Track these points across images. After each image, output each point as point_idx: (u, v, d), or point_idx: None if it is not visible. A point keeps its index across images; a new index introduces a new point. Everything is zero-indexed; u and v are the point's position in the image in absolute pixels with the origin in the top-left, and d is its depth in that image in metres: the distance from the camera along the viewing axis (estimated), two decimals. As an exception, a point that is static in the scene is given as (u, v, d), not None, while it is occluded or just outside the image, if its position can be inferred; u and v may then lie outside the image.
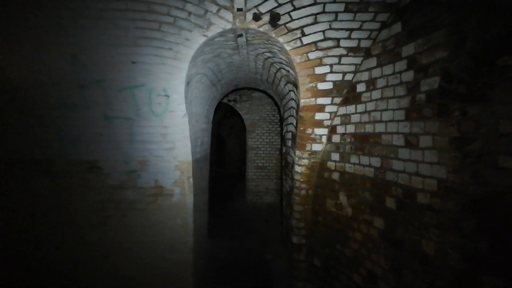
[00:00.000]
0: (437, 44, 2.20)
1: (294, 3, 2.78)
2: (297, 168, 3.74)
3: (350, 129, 3.22)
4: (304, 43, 3.14)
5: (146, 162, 4.00)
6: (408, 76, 2.48)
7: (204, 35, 3.28)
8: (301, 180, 3.71)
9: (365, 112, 3.00)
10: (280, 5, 2.82)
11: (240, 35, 3.46)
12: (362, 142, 3.03)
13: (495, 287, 1.89)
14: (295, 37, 3.12)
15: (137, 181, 4.01)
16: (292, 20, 2.94)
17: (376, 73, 2.88)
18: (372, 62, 2.94)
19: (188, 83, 3.87)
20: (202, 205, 4.91)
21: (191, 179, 4.10)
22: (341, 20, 2.86)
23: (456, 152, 2.01)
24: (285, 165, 4.93)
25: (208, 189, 5.55)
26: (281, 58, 3.74)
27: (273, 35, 3.20)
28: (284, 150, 5.15)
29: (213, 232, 6.56)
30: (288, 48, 3.25)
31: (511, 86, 1.87)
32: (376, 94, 2.86)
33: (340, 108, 3.38)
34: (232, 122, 13.26)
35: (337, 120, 3.43)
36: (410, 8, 2.48)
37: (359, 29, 2.88)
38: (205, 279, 4.78)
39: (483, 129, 1.96)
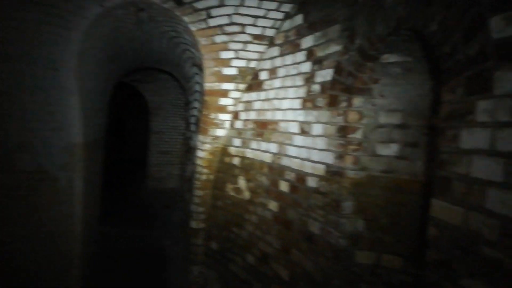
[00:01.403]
0: (332, 38, 2.35)
1: (201, -19, 2.69)
2: (200, 153, 3.69)
3: (252, 115, 3.29)
4: (210, 25, 3.07)
5: (27, 143, 3.50)
6: (306, 67, 2.62)
7: (101, 5, 2.98)
8: (203, 165, 3.68)
9: (267, 99, 3.09)
10: (186, -19, 2.70)
11: (142, 10, 3.23)
12: (262, 128, 3.12)
13: (367, 260, 2.13)
14: (200, 18, 3.03)
15: (15, 164, 3.50)
16: (198, -1, 2.85)
17: (278, 62, 2.98)
18: (275, 51, 3.03)
19: (80, 57, 3.49)
20: (94, 192, 4.53)
21: (81, 163, 3.73)
22: (248, 6, 2.88)
23: (342, 140, 2.19)
24: (187, 150, 4.83)
25: (104, 175, 5.15)
26: (186, 39, 3.62)
27: (178, 14, 3.07)
28: (187, 135, 5.05)
29: (111, 220, 6.14)
30: (193, 28, 3.15)
31: (390, 82, 2.10)
32: (277, 83, 2.96)
33: (244, 94, 3.42)
34: (135, 104, 12.50)
35: (240, 106, 3.47)
36: (311, 1, 2.61)
37: (264, 17, 2.93)
38: (95, 270, 4.45)
39: (365, 119, 2.17)
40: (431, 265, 1.44)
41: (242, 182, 3.35)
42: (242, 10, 2.92)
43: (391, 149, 2.09)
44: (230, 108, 3.51)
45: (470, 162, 1.27)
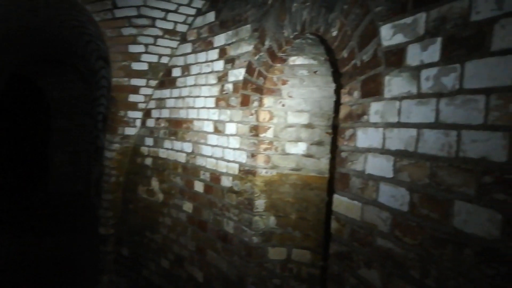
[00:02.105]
0: (243, 38, 2.36)
1: (104, -33, 2.49)
2: (108, 153, 3.43)
3: (165, 113, 3.16)
4: (116, 16, 2.86)
5: None
6: (219, 65, 2.59)
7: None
8: (112, 166, 3.43)
9: (180, 97, 2.99)
10: (86, -34, 2.47)
11: (36, -7, 2.87)
12: (176, 127, 3.01)
13: (279, 256, 2.19)
14: (105, 8, 2.80)
15: None
16: (102, -13, 2.63)
17: (191, 59, 2.90)
18: (188, 47, 2.95)
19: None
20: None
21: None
22: (157, -1, 2.74)
23: (254, 139, 2.22)
24: (94, 150, 4.47)
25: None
26: (90, 30, 3.33)
27: (79, 1, 2.79)
28: (94, 134, 4.67)
29: (6, 229, 5.40)
30: (98, 19, 2.90)
31: (298, 83, 2.18)
32: (190, 80, 2.89)
33: (156, 91, 3.27)
34: (34, 99, 11.18)
35: (152, 104, 3.31)
36: (222, 0, 2.58)
37: (175, 11, 2.82)
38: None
39: (276, 119, 2.22)
40: (334, 257, 1.53)
41: (155, 184, 3.20)
42: (151, 3, 2.77)
43: (299, 148, 2.18)
44: (141, 106, 3.33)
45: (366, 159, 1.38)
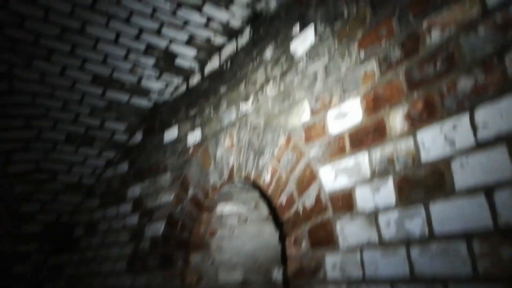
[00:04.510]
0: (163, 186, 2.13)
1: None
2: None
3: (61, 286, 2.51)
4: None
5: None
6: (133, 219, 2.25)
7: None
8: None
9: (84, 261, 2.44)
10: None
11: None
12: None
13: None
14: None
15: None
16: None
17: (98, 214, 2.50)
18: (95, 201, 2.57)
19: None
20: None
21: None
22: (61, 151, 2.45)
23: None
24: None
25: None
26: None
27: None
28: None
29: None
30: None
31: (228, 234, 1.93)
32: (97, 240, 2.42)
33: (51, 257, 2.66)
34: None
35: (45, 273, 2.64)
36: (137, 150, 2.42)
37: (81, 163, 2.53)
38: None
39: (205, 279, 1.86)
40: None
41: None
42: (55, 155, 2.46)
43: (238, 314, 1.79)
44: (30, 278, 2.63)
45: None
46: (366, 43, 1.17)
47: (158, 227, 2.07)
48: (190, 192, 1.94)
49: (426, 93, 0.96)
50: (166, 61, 2.03)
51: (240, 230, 1.92)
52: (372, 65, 1.13)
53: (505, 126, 0.78)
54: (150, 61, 2.01)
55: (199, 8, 1.65)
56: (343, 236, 1.10)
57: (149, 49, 1.92)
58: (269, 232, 1.88)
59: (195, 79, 2.12)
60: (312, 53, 1.34)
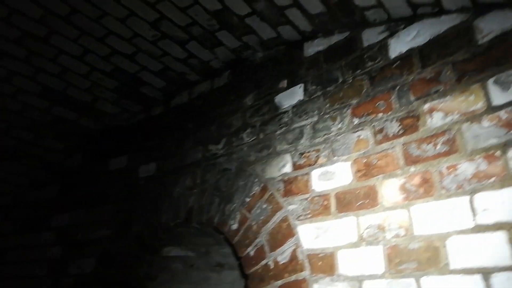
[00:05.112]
0: (100, 218, 1.93)
1: None
2: None
3: None
4: None
5: None
6: (56, 251, 1.98)
7: None
8: None
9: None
10: None
11: None
12: None
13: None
14: None
15: None
16: None
17: (11, 241, 2.15)
18: (8, 225, 2.21)
19: None
20: None
21: None
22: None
23: None
24: None
25: None
26: None
27: None
28: None
29: None
30: None
31: (167, 279, 1.79)
32: (6, 270, 2.06)
33: None
34: None
35: None
36: (73, 173, 2.19)
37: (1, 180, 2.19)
38: None
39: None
40: None
41: None
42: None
43: None
44: None
45: None
46: (360, 111, 1.20)
47: (87, 264, 1.85)
48: (134, 228, 1.79)
49: (424, 169, 1.00)
50: (130, 87, 1.92)
51: (183, 276, 1.81)
52: (367, 133, 1.16)
53: (506, 215, 0.82)
54: (112, 84, 1.89)
55: (183, 44, 1.63)
56: (317, 292, 1.10)
57: (116, 72, 1.80)
58: (217, 279, 1.81)
59: (157, 110, 2.03)
60: (300, 109, 1.38)
